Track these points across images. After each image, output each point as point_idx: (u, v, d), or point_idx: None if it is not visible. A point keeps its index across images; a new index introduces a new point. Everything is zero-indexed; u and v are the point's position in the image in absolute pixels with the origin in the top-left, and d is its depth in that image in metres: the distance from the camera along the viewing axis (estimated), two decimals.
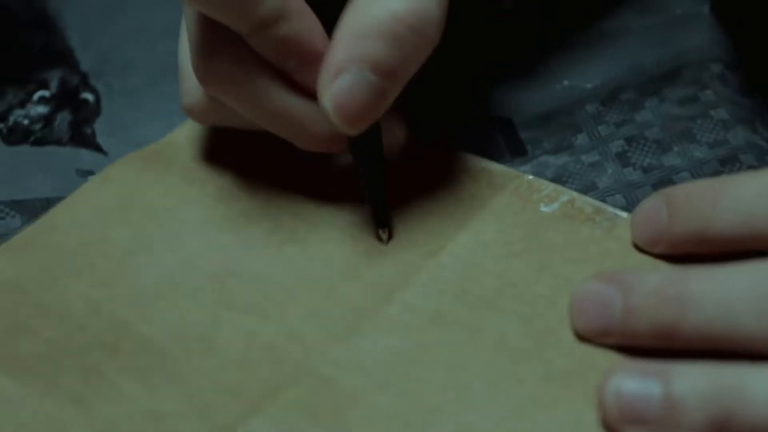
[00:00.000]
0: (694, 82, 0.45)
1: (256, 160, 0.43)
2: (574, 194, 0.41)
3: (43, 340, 0.37)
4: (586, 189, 0.42)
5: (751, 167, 0.42)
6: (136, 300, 0.39)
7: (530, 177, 0.42)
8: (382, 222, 0.40)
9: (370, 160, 0.39)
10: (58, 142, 0.45)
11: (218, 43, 0.37)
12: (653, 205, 0.38)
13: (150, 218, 0.41)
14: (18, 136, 0.45)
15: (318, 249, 0.40)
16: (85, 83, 0.46)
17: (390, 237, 0.40)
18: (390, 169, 0.41)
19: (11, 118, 0.45)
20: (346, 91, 0.36)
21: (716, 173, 0.42)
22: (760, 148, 0.42)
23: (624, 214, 0.40)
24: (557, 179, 0.42)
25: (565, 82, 0.45)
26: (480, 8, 0.46)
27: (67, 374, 0.36)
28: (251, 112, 0.39)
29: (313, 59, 0.37)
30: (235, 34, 0.37)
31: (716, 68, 0.45)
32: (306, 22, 0.37)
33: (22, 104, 0.46)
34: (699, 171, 0.42)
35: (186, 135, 0.44)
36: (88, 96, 0.46)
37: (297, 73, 0.38)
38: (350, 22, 0.36)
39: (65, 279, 0.39)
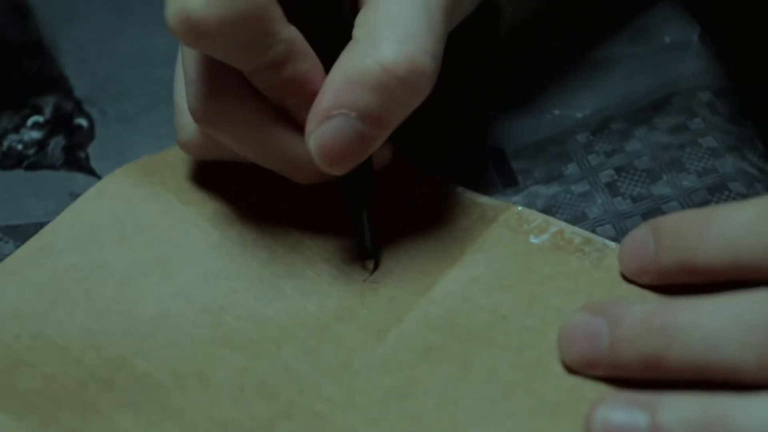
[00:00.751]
0: (683, 111, 0.45)
1: (252, 184, 0.43)
2: (563, 225, 0.41)
3: (40, 375, 0.38)
4: (576, 219, 0.42)
5: (740, 195, 0.42)
6: (132, 334, 0.39)
7: (520, 208, 0.42)
8: (369, 253, 0.40)
9: (359, 190, 0.40)
10: (52, 167, 0.45)
11: (218, 85, 0.38)
12: (640, 235, 0.38)
13: (145, 241, 0.41)
14: (12, 160, 0.45)
15: (313, 286, 0.40)
16: (79, 109, 0.47)
17: (376, 268, 0.41)
18: (383, 205, 0.41)
19: (5, 143, 0.46)
20: (332, 136, 0.37)
21: (705, 202, 0.42)
22: (750, 175, 0.43)
23: (612, 245, 0.40)
24: (548, 210, 0.42)
25: (556, 112, 0.46)
26: (473, 38, 0.46)
27: (63, 409, 0.37)
28: (247, 150, 0.39)
29: (313, 99, 0.37)
30: (234, 75, 0.37)
31: (705, 96, 0.45)
32: (309, 64, 0.37)
33: (16, 129, 0.46)
34: (688, 200, 0.42)
35: (182, 153, 0.44)
36: (82, 121, 0.46)
37: (296, 112, 0.39)
38: (342, 68, 0.37)
39: (62, 307, 0.39)
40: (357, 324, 0.39)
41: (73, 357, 0.38)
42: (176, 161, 0.44)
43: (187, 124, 0.40)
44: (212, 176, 0.43)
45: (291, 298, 0.40)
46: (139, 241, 0.41)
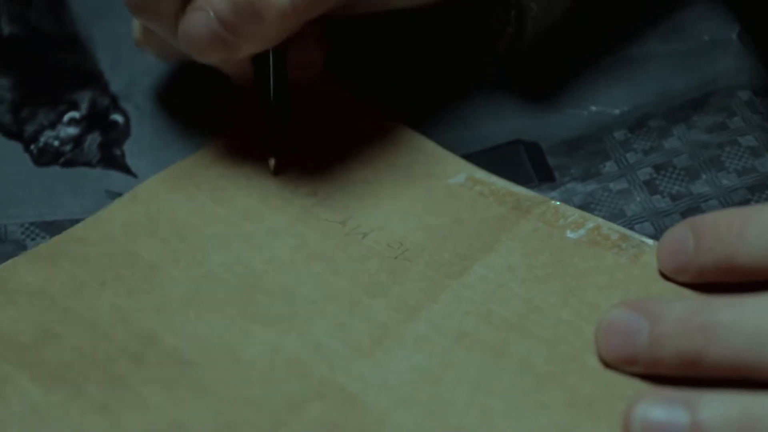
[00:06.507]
0: (722, 109, 0.45)
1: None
2: (600, 221, 0.41)
3: (70, 347, 0.38)
4: (614, 216, 0.42)
5: None
6: (162, 310, 0.39)
7: (557, 203, 0.42)
8: (275, 150, 0.42)
9: (267, 87, 0.42)
10: (88, 164, 0.45)
11: None
12: (679, 233, 0.38)
13: (177, 234, 0.42)
14: (48, 157, 0.45)
15: (344, 265, 0.40)
16: (115, 105, 0.47)
17: (279, 168, 0.43)
18: (416, 190, 0.42)
19: (42, 139, 0.46)
20: (192, 25, 0.40)
21: (745, 201, 0.42)
22: None
23: (650, 241, 0.40)
24: (585, 206, 0.42)
25: (593, 108, 0.45)
26: (495, 36, 0.46)
27: (92, 382, 0.37)
28: (172, 37, 0.41)
29: None
30: None
31: (744, 95, 0.45)
32: None
33: (53, 125, 0.46)
34: (728, 199, 0.42)
35: (214, 153, 0.44)
36: (118, 117, 0.46)
37: None
38: None
39: (91, 287, 0.40)
40: (388, 300, 0.39)
41: (102, 331, 0.38)
42: (209, 163, 0.44)
43: (136, 22, 0.43)
44: (245, 172, 0.43)
45: (322, 276, 0.40)
46: (170, 234, 0.42)
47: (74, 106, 0.47)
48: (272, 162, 0.43)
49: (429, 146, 0.44)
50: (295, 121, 0.44)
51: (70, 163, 0.45)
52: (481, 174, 0.43)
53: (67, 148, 0.46)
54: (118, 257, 0.41)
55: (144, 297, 0.39)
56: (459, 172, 0.43)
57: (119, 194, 0.44)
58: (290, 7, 0.39)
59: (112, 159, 0.45)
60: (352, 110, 0.45)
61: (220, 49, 0.40)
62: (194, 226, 0.42)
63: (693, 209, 0.42)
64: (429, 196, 0.42)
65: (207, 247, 0.41)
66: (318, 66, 0.45)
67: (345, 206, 0.42)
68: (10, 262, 0.41)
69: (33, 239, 0.42)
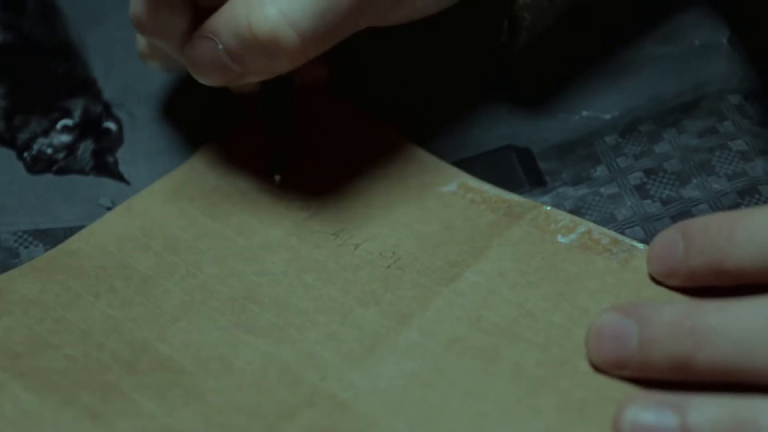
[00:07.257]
0: (712, 114, 0.45)
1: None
2: (591, 225, 0.41)
3: (63, 356, 0.38)
4: (605, 221, 0.42)
5: None
6: (155, 320, 0.39)
7: (548, 207, 0.42)
8: (277, 166, 0.43)
9: (275, 105, 0.42)
10: (81, 171, 0.45)
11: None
12: (670, 237, 0.38)
13: (171, 248, 0.42)
14: (41, 165, 0.45)
15: (336, 276, 0.40)
16: (108, 112, 0.47)
17: (284, 182, 0.43)
18: (409, 199, 0.42)
19: (35, 147, 0.46)
20: (198, 53, 0.40)
21: (735, 205, 0.42)
22: None
23: (641, 246, 0.40)
24: (576, 211, 0.42)
25: (584, 113, 0.45)
26: (488, 44, 0.46)
27: (85, 389, 0.37)
28: (179, 54, 0.41)
29: None
30: None
31: (735, 99, 0.45)
32: None
33: (46, 133, 0.46)
34: (718, 203, 0.42)
35: (208, 160, 0.44)
36: (111, 125, 0.47)
37: None
38: (231, 4, 0.39)
39: (86, 299, 0.40)
40: (380, 309, 0.39)
41: (95, 340, 0.39)
42: (204, 172, 0.44)
43: (140, 37, 0.43)
44: (239, 186, 0.44)
45: (314, 286, 0.40)
46: (164, 248, 0.42)
47: (67, 114, 0.47)
48: (278, 178, 0.43)
49: (421, 155, 0.44)
50: (294, 136, 0.44)
51: (63, 171, 0.45)
52: (473, 182, 0.43)
53: (60, 155, 0.46)
54: (112, 270, 0.41)
55: (137, 308, 0.40)
56: (451, 180, 0.43)
57: (112, 201, 0.44)
58: (300, 46, 0.38)
59: (105, 166, 0.45)
60: (345, 123, 0.45)
61: (225, 78, 0.40)
62: (188, 240, 0.42)
63: (683, 213, 0.42)
64: (421, 205, 0.42)
65: (200, 261, 0.41)
66: (322, 83, 0.45)
67: (338, 218, 0.42)
68: (5, 274, 0.41)
69: (26, 247, 0.43)
